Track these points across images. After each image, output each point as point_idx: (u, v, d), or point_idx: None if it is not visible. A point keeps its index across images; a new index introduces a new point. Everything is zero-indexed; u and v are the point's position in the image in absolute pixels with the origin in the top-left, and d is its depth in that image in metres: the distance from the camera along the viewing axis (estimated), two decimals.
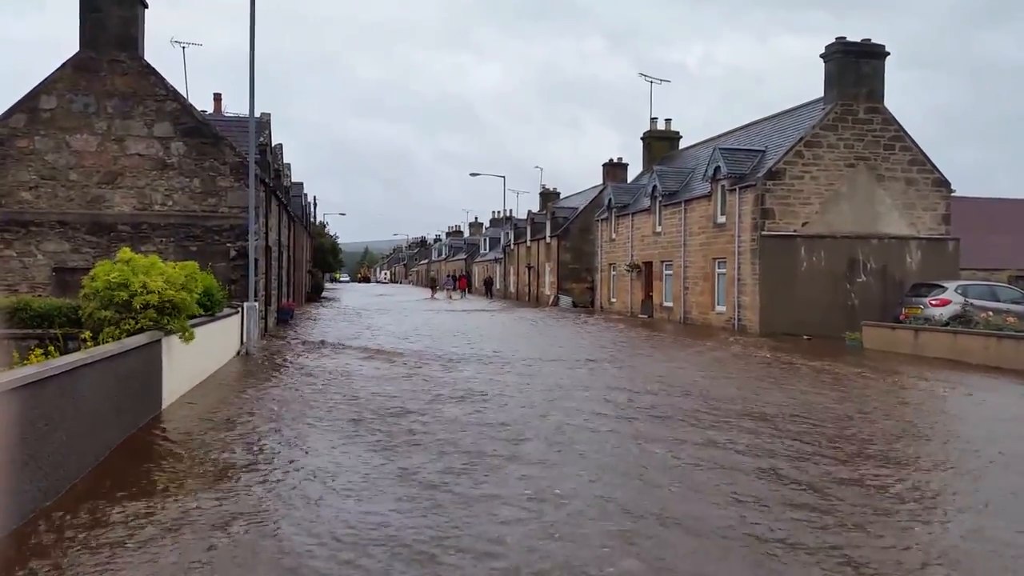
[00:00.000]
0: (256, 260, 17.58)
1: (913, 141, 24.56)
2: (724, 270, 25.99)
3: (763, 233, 23.54)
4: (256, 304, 16.96)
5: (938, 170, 24.75)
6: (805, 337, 21.71)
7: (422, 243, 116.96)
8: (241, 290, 17.49)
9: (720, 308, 26.28)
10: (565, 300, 42.11)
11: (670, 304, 30.30)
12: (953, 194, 25.16)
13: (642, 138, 39.41)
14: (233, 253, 18.45)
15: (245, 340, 16.21)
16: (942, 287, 21.16)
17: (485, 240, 71.32)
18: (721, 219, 26.16)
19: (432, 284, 61.64)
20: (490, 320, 30.41)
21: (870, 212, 24.13)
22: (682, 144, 38.68)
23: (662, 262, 31.12)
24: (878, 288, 23.70)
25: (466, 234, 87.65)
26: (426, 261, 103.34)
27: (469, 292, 60.45)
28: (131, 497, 6.13)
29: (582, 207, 44.27)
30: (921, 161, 24.60)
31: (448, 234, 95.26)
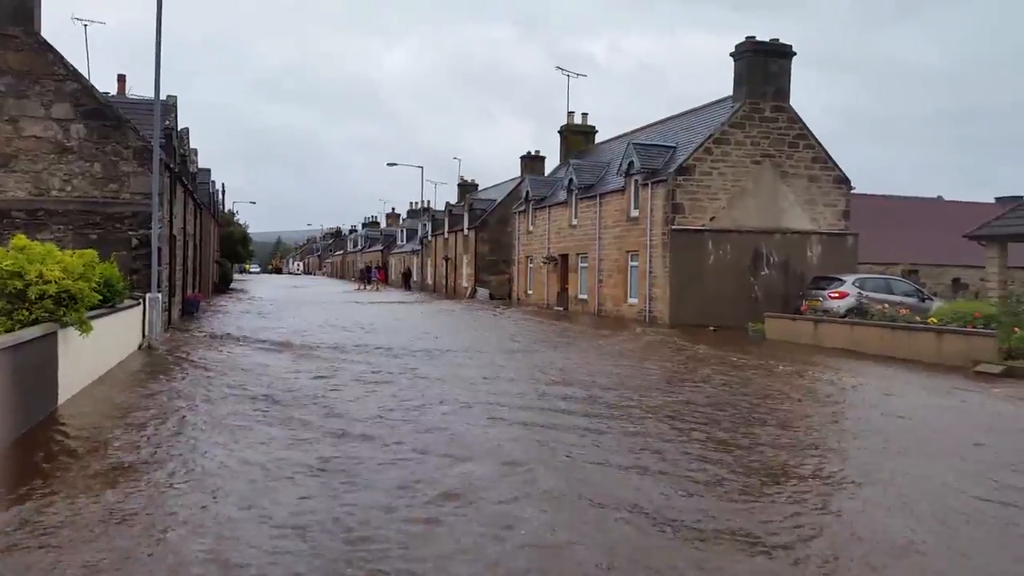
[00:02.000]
0: (159, 249, 16.94)
1: (816, 139, 25.66)
2: (637, 263, 26.59)
3: (673, 227, 24.19)
4: (159, 295, 16.35)
5: (838, 168, 25.95)
6: (711, 328, 22.43)
7: (337, 234, 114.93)
8: (143, 280, 16.79)
9: (632, 300, 26.88)
10: (483, 292, 42.23)
11: (585, 296, 30.78)
12: (852, 191, 26.44)
13: (559, 131, 39.83)
14: (135, 242, 17.70)
15: (147, 333, 15.61)
16: (840, 280, 22.20)
17: (402, 231, 70.71)
18: (634, 213, 26.73)
19: (362, 275, 60.31)
20: (407, 312, 30.24)
21: (774, 208, 25.11)
22: (598, 138, 39.29)
23: (578, 255, 31.57)
24: (781, 281, 24.69)
25: (383, 225, 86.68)
26: (341, 252, 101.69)
27: (386, 284, 59.89)
28: (18, 500, 5.84)
29: (500, 199, 44.44)
30: (823, 159, 25.74)
31: (364, 225, 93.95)
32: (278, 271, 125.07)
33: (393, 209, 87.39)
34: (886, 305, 19.25)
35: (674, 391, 11.76)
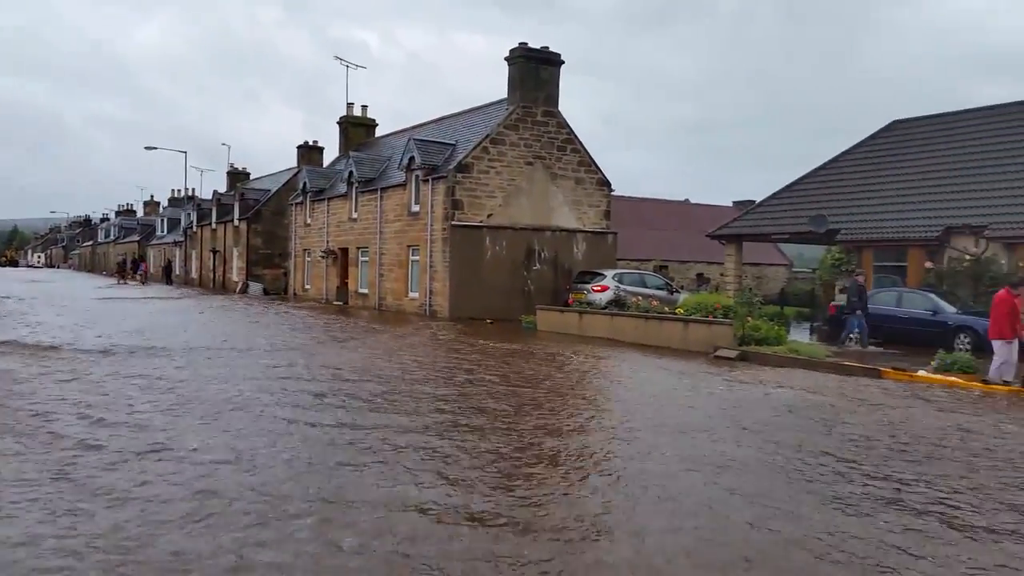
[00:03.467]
0: None
1: (581, 144, 27.50)
2: (418, 257, 26.93)
3: (453, 223, 24.82)
4: None
5: (601, 171, 28.02)
6: (488, 321, 23.34)
7: (86, 223, 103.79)
8: None
9: (413, 294, 27.20)
10: (255, 287, 40.43)
11: (366, 291, 30.61)
12: (612, 193, 28.67)
13: (339, 123, 39.10)
14: None
15: None
16: (602, 275, 24.04)
17: (163, 221, 65.61)
18: (415, 208, 27.03)
19: (120, 268, 55.07)
20: (169, 308, 28.25)
21: (545, 207, 26.60)
22: (378, 132, 39.11)
23: (358, 248, 31.30)
24: (551, 275, 26.24)
25: (140, 213, 79.77)
26: (91, 243, 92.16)
27: (145, 277, 55.31)
28: None
29: (275, 189, 42.73)
30: (587, 163, 27.66)
31: (118, 213, 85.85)
32: (13, 264, 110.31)
33: (152, 197, 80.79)
34: (640, 297, 21.17)
35: (453, 379, 12.18)
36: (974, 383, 12.61)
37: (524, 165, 26.20)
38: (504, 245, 25.44)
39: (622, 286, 23.10)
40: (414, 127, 33.56)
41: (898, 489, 6.62)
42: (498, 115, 26.70)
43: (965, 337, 17.11)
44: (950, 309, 18.29)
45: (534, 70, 26.32)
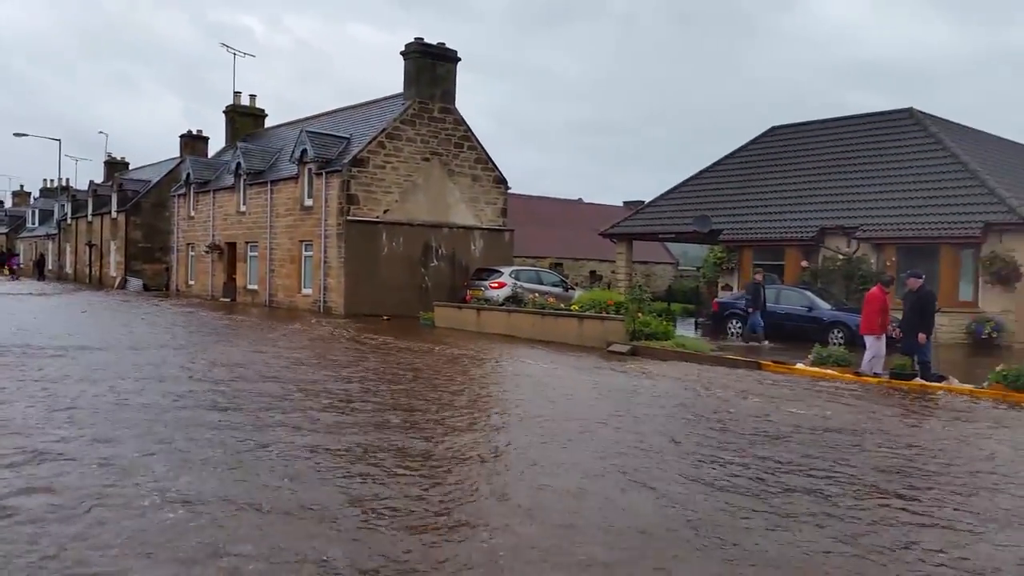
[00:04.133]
0: None
1: (478, 141, 27.61)
2: (311, 253, 26.33)
3: (348, 218, 24.40)
4: None
5: (497, 169, 28.22)
6: (385, 318, 23.11)
7: None
8: None
9: (307, 290, 26.58)
10: (135, 282, 38.46)
11: (255, 287, 29.67)
12: (509, 191, 28.93)
13: (225, 112, 37.67)
14: None
15: None
16: (499, 272, 24.24)
17: (34, 212, 61.42)
18: (308, 202, 26.41)
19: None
20: (42, 305, 26.49)
21: (443, 203, 26.56)
22: (268, 122, 37.93)
23: (247, 243, 30.28)
24: (448, 272, 26.24)
25: (8, 204, 74.25)
26: None
27: (16, 272, 51.58)
28: None
29: (156, 180, 40.74)
30: (484, 160, 27.80)
31: None
32: None
33: (22, 187, 75.30)
34: (537, 294, 21.49)
35: (348, 374, 12.01)
36: (848, 375, 13.49)
37: (421, 161, 26.06)
38: (401, 241, 25.24)
39: (519, 283, 23.38)
40: (306, 119, 32.76)
41: (752, 471, 7.04)
42: (394, 110, 26.43)
43: (839, 332, 18.28)
44: (825, 306, 19.48)
45: (430, 66, 26.21)
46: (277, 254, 28.21)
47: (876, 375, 13.31)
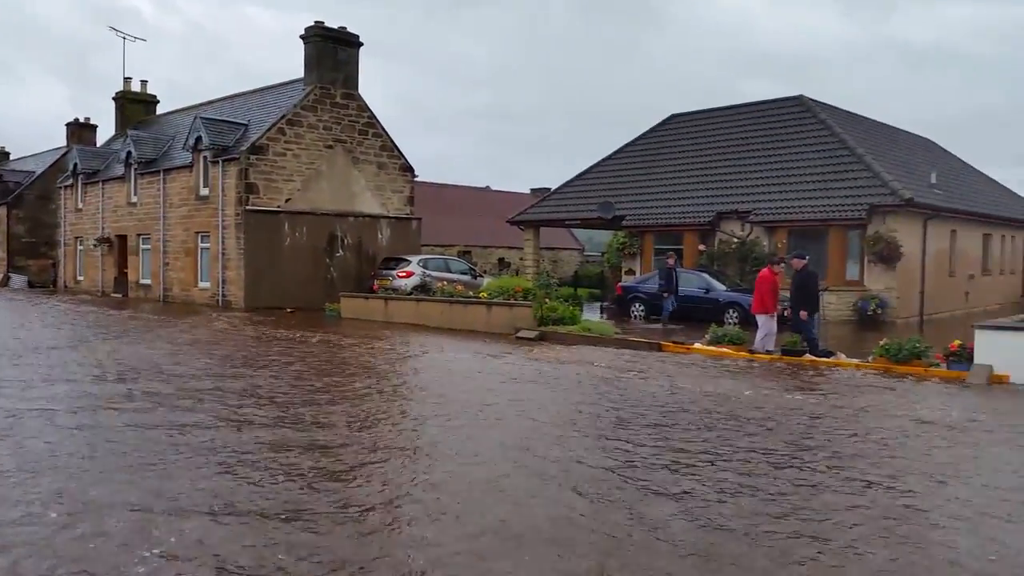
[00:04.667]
0: None
1: (383, 128, 27.20)
2: (208, 244, 25.39)
3: (247, 208, 23.64)
4: None
5: (404, 156, 27.90)
6: (288, 310, 22.56)
7: None
8: None
9: (204, 284, 25.65)
10: (19, 279, 36.17)
11: (148, 281, 28.42)
12: (415, 179, 28.66)
13: (115, 98, 35.79)
14: None
15: None
16: (407, 260, 24.02)
17: None
18: (204, 191, 25.43)
19: None
20: None
21: (347, 192, 26.08)
22: (160, 109, 36.28)
23: (139, 236, 28.93)
24: (355, 262, 25.81)
25: None
26: None
27: None
28: None
29: (40, 171, 38.31)
30: (390, 148, 27.42)
31: None
32: None
33: None
34: (445, 282, 21.42)
35: (250, 372, 11.68)
36: (742, 353, 14.03)
37: (324, 148, 25.48)
38: (304, 231, 24.64)
39: (427, 271, 23.23)
40: (201, 105, 31.49)
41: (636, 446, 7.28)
42: (294, 95, 25.72)
43: (734, 312, 18.98)
44: (720, 287, 20.18)
45: (332, 50, 25.62)
46: (171, 246, 27.07)
47: (769, 352, 13.90)
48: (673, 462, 6.85)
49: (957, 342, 12.09)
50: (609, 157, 30.57)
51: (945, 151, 33.84)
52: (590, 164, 30.96)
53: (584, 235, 48.86)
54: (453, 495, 5.88)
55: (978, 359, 11.68)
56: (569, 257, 47.63)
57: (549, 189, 35.51)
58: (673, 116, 30.40)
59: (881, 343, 12.94)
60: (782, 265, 15.16)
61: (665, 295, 19.36)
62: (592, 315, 21.30)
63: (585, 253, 49.64)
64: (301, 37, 25.78)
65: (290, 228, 24.35)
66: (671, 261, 20.15)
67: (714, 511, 5.54)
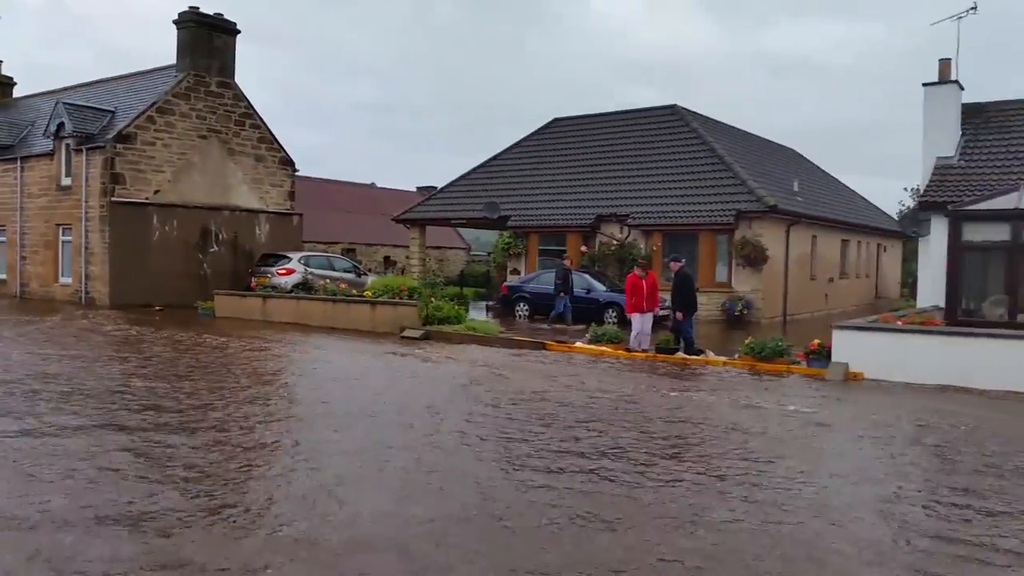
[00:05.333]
0: None
1: (261, 119, 26.32)
2: (70, 238, 23.82)
3: (113, 199, 22.34)
4: None
5: (284, 149, 27.09)
6: (157, 308, 21.49)
7: None
8: None
9: (65, 280, 24.05)
10: None
11: (3, 276, 26.36)
12: (296, 173, 27.91)
13: None
14: None
15: None
16: (287, 257, 23.36)
17: None
18: (66, 181, 23.83)
19: None
20: None
21: (222, 184, 25.08)
22: (17, 92, 33.63)
23: None
24: (230, 258, 24.85)
25: None
26: None
27: None
28: None
29: None
30: (269, 140, 26.57)
31: None
32: None
33: None
34: (328, 280, 21.00)
35: (101, 371, 11.07)
36: (620, 351, 14.51)
37: (197, 138, 24.39)
38: (175, 225, 23.51)
39: (309, 269, 22.70)
40: (64, 89, 29.43)
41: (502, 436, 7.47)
42: (166, 82, 24.48)
43: (613, 312, 19.59)
44: (601, 288, 20.79)
45: (207, 37, 24.56)
46: (30, 239, 25.21)
47: (644, 350, 14.45)
48: (507, 449, 7.03)
49: (817, 341, 12.95)
50: (495, 157, 30.83)
51: (807, 160, 36.15)
52: (478, 163, 31.14)
53: (471, 234, 49.03)
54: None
55: (836, 357, 12.54)
56: (456, 256, 47.64)
57: (436, 187, 35.38)
58: (556, 120, 31.00)
59: (747, 342, 13.69)
60: (648, 268, 15.69)
61: (561, 295, 19.70)
62: (478, 314, 21.45)
63: (472, 252, 49.80)
64: (175, 22, 24.59)
65: (160, 221, 23.18)
66: (567, 262, 20.56)
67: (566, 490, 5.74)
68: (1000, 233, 13.40)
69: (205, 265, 24.16)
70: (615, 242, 24.03)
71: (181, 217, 23.65)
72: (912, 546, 5.11)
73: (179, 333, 16.20)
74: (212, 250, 24.44)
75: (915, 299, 20.16)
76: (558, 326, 18.98)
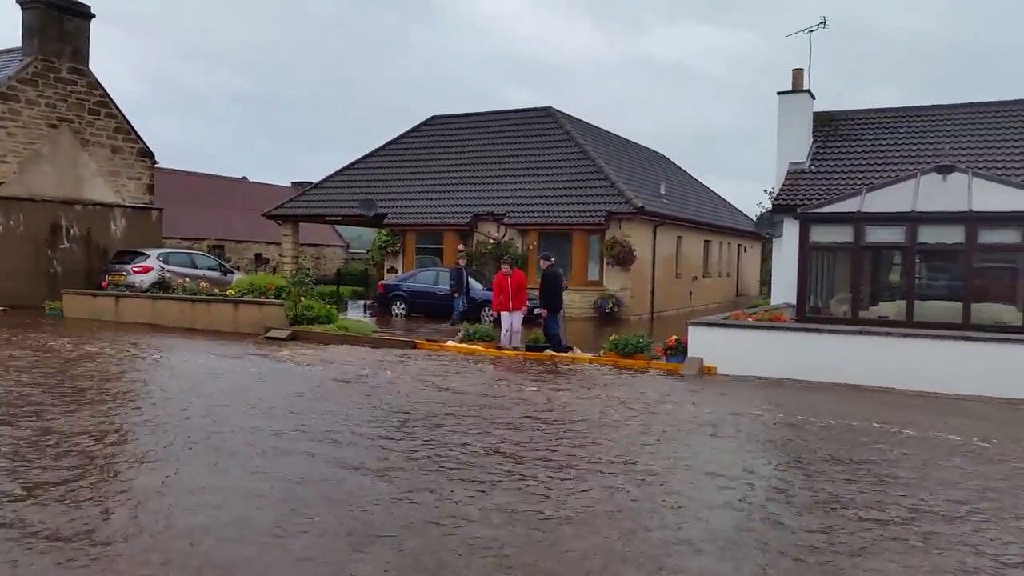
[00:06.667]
0: None
1: (118, 108, 24.80)
2: None
3: None
4: None
5: (142, 140, 25.62)
6: (1, 308, 19.88)
7: None
8: None
9: None
10: None
11: None
12: (157, 165, 26.46)
13: None
14: None
15: None
16: (145, 255, 22.12)
17: None
18: None
19: None
20: None
21: (75, 176, 23.46)
22: None
23: None
24: (82, 255, 23.27)
25: None
26: None
27: None
28: None
29: None
30: (127, 130, 25.06)
31: None
32: None
33: None
34: (188, 279, 20.06)
35: None
36: (491, 349, 14.61)
37: (46, 127, 22.71)
38: (21, 219, 21.79)
39: (168, 267, 21.59)
40: None
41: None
42: (10, 66, 22.64)
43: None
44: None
45: (57, 20, 22.91)
46: None
47: (515, 348, 14.61)
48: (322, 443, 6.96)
49: (674, 338, 13.48)
50: (373, 153, 30.38)
51: (674, 164, 37.67)
52: (355, 158, 30.58)
53: (352, 232, 48.13)
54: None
55: (691, 353, 13.11)
56: (334, 254, 46.64)
57: (311, 183, 34.48)
58: (434, 117, 30.88)
59: (611, 339, 14.09)
60: (510, 267, 15.66)
61: (455, 295, 19.52)
62: (356, 313, 21.08)
63: (351, 250, 48.89)
64: (19, 2, 22.80)
65: (4, 215, 21.43)
66: (462, 262, 20.38)
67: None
68: (844, 235, 14.35)
69: (55, 262, 22.52)
70: (492, 241, 24.19)
71: (28, 211, 21.95)
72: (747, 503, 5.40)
73: (26, 335, 15.01)
74: (63, 246, 22.82)
75: (771, 297, 21.36)
76: (454, 324, 18.85)
